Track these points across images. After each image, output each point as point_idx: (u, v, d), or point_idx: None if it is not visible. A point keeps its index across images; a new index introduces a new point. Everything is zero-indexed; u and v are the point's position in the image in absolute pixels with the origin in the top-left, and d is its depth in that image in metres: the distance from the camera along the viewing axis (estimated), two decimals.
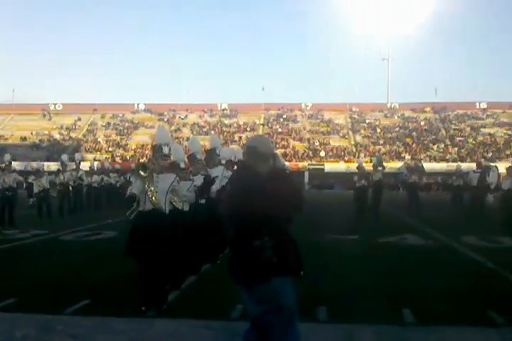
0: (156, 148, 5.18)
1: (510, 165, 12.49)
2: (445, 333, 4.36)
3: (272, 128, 52.27)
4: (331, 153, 46.29)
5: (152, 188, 4.94)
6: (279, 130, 51.64)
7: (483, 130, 47.21)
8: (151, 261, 4.84)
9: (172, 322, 4.58)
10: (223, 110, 57.58)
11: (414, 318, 4.76)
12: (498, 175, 12.28)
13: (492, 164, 17.03)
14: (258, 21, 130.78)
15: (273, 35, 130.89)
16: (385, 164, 16.94)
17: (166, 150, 5.19)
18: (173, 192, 5.26)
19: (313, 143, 48.58)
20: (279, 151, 41.08)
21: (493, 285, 6.22)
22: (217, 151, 7.70)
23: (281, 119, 54.21)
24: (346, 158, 44.01)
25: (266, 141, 3.30)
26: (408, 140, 46.08)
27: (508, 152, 41.47)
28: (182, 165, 5.98)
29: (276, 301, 2.74)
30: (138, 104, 60.31)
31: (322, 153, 46.10)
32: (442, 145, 43.79)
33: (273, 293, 2.73)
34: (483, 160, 34.85)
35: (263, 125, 53.43)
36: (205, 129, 52.16)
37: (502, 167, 13.55)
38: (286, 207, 2.80)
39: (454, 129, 48.02)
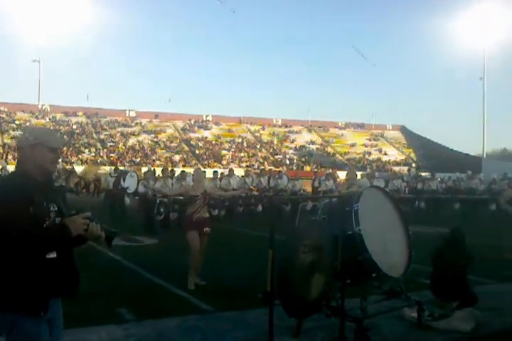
0: None
1: (146, 170, 13.56)
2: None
3: None
4: None
5: None
6: None
7: (132, 136, 50.08)
8: None
9: None
10: None
11: None
12: (138, 179, 13.11)
13: (130, 169, 18.11)
14: None
15: None
16: None
17: None
18: None
19: None
20: None
21: (128, 282, 6.57)
22: None
23: None
24: None
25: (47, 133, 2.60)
26: None
27: (153, 157, 45.13)
28: None
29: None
30: None
31: None
32: (94, 150, 44.39)
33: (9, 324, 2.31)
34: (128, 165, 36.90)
35: None
36: None
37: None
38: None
39: (105, 134, 49.39)
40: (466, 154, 50.54)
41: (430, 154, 51.86)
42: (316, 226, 4.21)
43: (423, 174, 24.66)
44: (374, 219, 4.60)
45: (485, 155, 49.31)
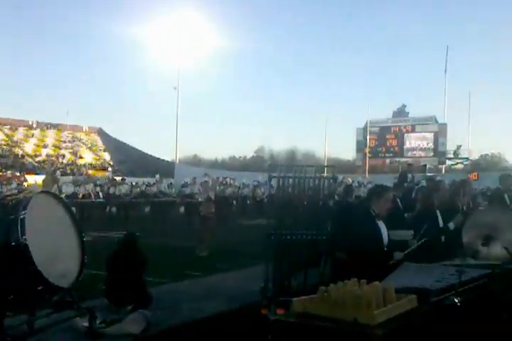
0: None
1: None
2: None
3: None
4: None
5: None
6: None
7: None
8: None
9: None
10: None
11: None
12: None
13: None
14: None
15: None
16: None
17: None
18: None
19: None
20: None
21: None
22: None
23: None
24: None
25: None
26: None
27: None
28: None
29: None
30: None
31: None
32: None
33: None
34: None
35: None
36: None
37: None
38: None
39: None
40: (160, 159, 53.21)
41: (126, 158, 52.70)
42: None
43: (117, 178, 24.93)
44: (44, 227, 4.30)
45: (178, 161, 52.76)
